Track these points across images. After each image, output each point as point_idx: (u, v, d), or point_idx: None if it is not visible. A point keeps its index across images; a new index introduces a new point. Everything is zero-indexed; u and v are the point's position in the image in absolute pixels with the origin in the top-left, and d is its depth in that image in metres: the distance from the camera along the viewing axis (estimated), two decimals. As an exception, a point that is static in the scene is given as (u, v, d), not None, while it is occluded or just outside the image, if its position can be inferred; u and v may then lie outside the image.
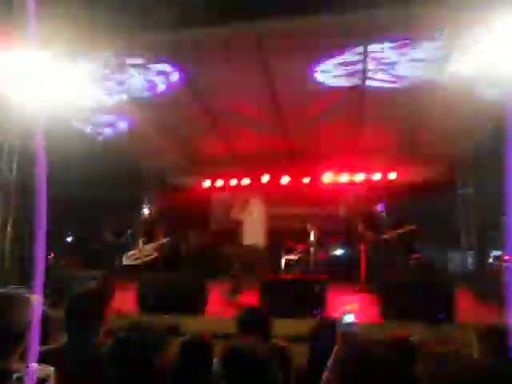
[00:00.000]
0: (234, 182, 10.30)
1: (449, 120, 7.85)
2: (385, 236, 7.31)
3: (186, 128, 9.10)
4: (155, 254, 8.21)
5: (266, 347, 1.75)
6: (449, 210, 10.17)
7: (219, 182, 10.49)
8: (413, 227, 7.40)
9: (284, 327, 4.33)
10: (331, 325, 2.40)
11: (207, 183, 10.48)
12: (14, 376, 1.48)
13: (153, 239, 8.58)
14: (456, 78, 6.45)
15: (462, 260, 9.66)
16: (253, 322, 2.57)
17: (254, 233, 8.31)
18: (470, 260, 9.52)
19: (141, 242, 8.14)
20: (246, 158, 10.01)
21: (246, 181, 10.21)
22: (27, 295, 1.68)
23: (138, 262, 7.98)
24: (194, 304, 4.67)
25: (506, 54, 5.42)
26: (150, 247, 8.21)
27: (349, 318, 2.36)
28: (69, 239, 10.59)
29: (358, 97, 7.71)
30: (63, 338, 2.35)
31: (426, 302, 4.31)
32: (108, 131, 8.99)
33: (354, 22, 5.89)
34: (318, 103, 7.93)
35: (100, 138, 9.14)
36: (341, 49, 6.46)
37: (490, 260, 7.25)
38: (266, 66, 6.83)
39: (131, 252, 8.24)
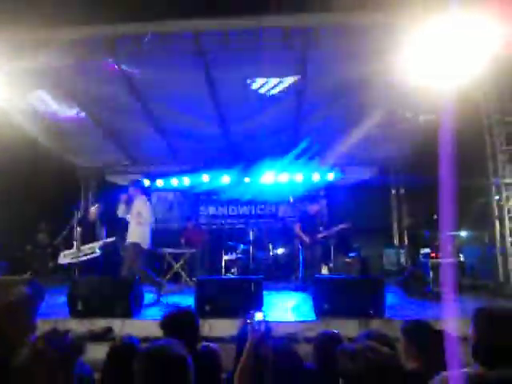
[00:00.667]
0: (174, 181, 10.14)
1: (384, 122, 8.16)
2: (320, 235, 7.48)
3: (125, 126, 8.87)
4: (98, 253, 7.89)
5: (181, 347, 1.72)
6: (384, 209, 10.64)
7: (159, 182, 10.29)
8: (347, 225, 7.64)
9: (220, 327, 4.33)
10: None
11: (147, 182, 10.24)
12: None
13: (93, 239, 8.25)
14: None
15: (396, 257, 10.09)
16: (179, 324, 2.53)
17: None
18: (402, 257, 9.95)
19: (79, 241, 7.78)
20: (186, 157, 9.90)
21: (187, 180, 10.09)
22: None
23: (75, 260, 7.63)
24: (127, 307, 4.54)
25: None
26: (88, 247, 7.88)
27: (259, 317, 2.43)
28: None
29: (296, 98, 7.86)
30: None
31: (358, 299, 4.46)
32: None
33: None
34: (257, 102, 7.99)
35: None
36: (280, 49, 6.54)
37: (420, 257, 7.62)
38: (205, 63, 6.80)
39: (68, 251, 7.87)
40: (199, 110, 8.30)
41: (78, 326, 4.43)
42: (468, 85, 6.08)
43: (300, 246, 7.53)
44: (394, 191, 10.52)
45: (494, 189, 6.79)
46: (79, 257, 7.53)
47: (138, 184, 7.02)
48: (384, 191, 10.56)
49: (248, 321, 2.44)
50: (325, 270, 8.60)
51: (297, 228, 7.55)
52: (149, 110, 8.20)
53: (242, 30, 6.27)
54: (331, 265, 8.81)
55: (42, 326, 4.32)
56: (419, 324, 2.56)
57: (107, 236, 8.42)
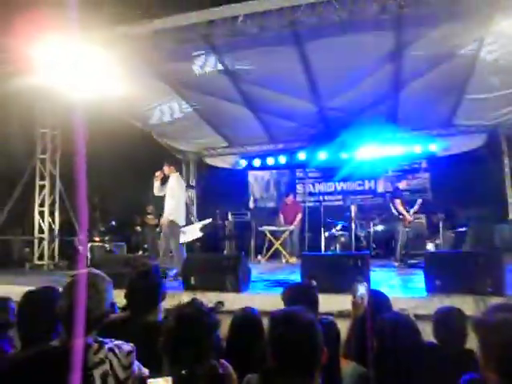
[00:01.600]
0: (270, 160, 10.27)
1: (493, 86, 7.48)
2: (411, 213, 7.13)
3: (220, 109, 9.13)
4: (200, 234, 8.36)
5: (313, 315, 1.75)
6: (496, 181, 9.79)
7: (256, 162, 10.49)
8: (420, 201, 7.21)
9: (326, 303, 4.34)
10: None
11: (244, 163, 10.50)
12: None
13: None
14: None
15: (510, 233, 9.29)
16: (299, 297, 2.58)
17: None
18: (518, 232, 9.13)
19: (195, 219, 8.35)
20: (282, 136, 9.95)
21: (283, 158, 10.15)
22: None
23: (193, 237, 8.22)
24: (236, 282, 4.73)
25: None
26: (193, 227, 8.39)
27: (361, 290, 2.40)
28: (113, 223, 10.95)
29: (393, 65, 7.48)
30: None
31: (473, 275, 4.19)
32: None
33: None
34: (353, 74, 7.74)
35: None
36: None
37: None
38: (298, 39, 6.71)
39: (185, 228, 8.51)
40: (293, 89, 8.25)
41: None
42: None
43: (400, 222, 7.24)
44: (506, 160, 9.60)
45: None
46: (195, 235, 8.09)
47: (172, 162, 6.87)
48: (495, 160, 9.69)
49: (351, 295, 2.44)
50: (430, 247, 8.22)
51: (398, 204, 7.25)
52: (244, 92, 8.35)
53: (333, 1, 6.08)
54: (438, 241, 8.39)
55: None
56: None
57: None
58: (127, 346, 1.76)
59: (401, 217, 7.22)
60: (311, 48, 6.99)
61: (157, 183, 6.45)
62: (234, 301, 4.71)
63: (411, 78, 7.79)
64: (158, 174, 6.46)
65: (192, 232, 8.23)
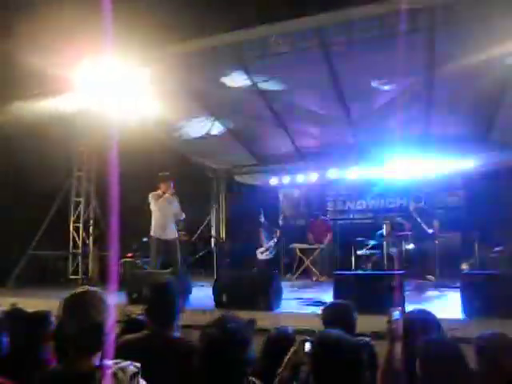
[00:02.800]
0: (300, 177, 10.27)
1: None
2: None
3: (251, 127, 9.23)
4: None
5: (356, 341, 1.73)
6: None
7: (286, 179, 10.50)
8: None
9: (361, 324, 4.27)
10: None
11: (274, 180, 10.52)
12: (108, 372, 1.58)
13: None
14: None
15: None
16: (338, 317, 2.57)
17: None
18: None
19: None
20: (313, 154, 9.94)
21: (313, 176, 10.12)
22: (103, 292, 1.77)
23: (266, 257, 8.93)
24: (267, 301, 4.72)
25: None
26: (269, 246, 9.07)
27: (396, 315, 2.36)
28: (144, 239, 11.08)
29: (425, 84, 7.41)
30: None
31: (514, 298, 4.04)
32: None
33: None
34: (383, 93, 7.71)
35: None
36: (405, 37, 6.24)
37: None
38: (328, 58, 6.76)
39: (261, 248, 9.08)
40: (324, 106, 8.29)
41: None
42: None
43: (436, 243, 7.10)
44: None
45: None
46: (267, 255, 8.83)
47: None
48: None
49: (387, 320, 2.40)
50: (465, 267, 7.99)
51: (436, 225, 7.14)
52: (274, 110, 8.43)
53: (364, 20, 6.11)
54: (473, 261, 8.14)
55: (192, 316, 4.72)
56: None
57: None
58: (132, 368, 1.65)
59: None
60: (342, 66, 7.02)
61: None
62: (265, 319, 4.69)
63: (445, 94, 7.70)
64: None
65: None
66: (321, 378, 1.55)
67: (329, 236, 8.87)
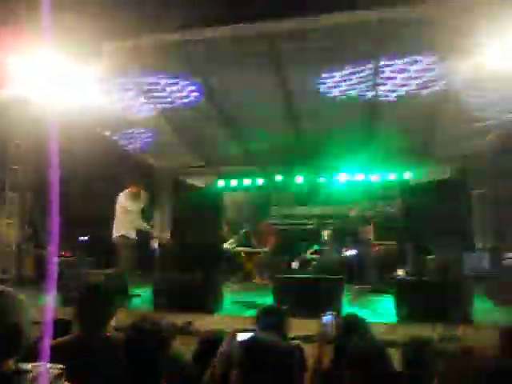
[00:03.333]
0: (247, 181, 10.31)
1: (461, 120, 7.77)
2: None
3: (198, 127, 9.16)
4: None
5: (286, 345, 1.75)
6: (463, 210, 10.08)
7: (233, 182, 10.51)
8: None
9: (297, 327, 4.33)
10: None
11: (220, 183, 10.50)
12: (28, 376, 1.49)
13: None
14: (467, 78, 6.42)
15: (477, 261, 9.52)
16: (270, 321, 2.58)
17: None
18: (484, 261, 9.36)
19: None
20: (259, 157, 10.02)
21: (260, 180, 10.20)
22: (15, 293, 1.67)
23: None
24: (207, 303, 4.68)
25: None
26: None
27: (327, 320, 2.43)
28: (83, 238, 10.70)
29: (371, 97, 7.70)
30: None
31: (442, 302, 4.27)
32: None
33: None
34: (330, 101, 7.91)
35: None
36: (351, 61, 6.49)
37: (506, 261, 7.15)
38: (278, 63, 6.85)
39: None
40: (272, 111, 8.38)
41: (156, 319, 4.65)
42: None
43: (371, 249, 7.37)
44: (474, 192, 9.91)
45: None
46: None
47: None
48: (463, 191, 10.00)
49: (320, 323, 2.46)
50: (400, 273, 8.33)
51: (369, 231, 7.39)
52: (223, 112, 8.41)
53: (317, 30, 6.25)
54: (408, 268, 8.51)
55: (129, 318, 4.58)
56: None
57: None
58: (54, 370, 1.51)
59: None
60: (291, 72, 7.14)
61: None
62: (204, 322, 4.66)
63: (388, 107, 8.02)
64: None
65: None
66: (248, 382, 1.55)
67: (273, 240, 8.96)
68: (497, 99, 6.98)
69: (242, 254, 8.71)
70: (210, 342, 2.63)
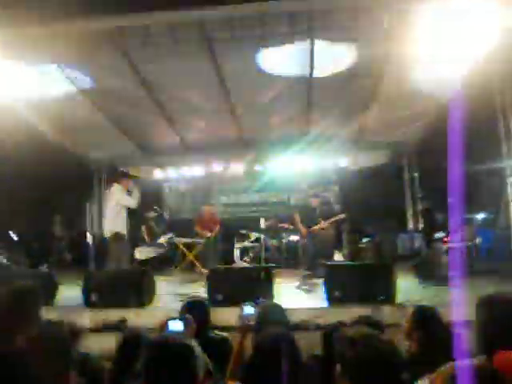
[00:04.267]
0: (186, 171, 10.19)
1: (396, 106, 8.04)
2: (316, 227, 7.42)
3: (135, 116, 8.90)
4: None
5: (188, 338, 1.74)
6: (398, 194, 10.53)
7: (171, 172, 10.34)
8: (342, 216, 7.60)
9: (231, 316, 4.36)
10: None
11: (159, 173, 10.31)
12: None
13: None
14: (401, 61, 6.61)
15: (410, 242, 10.00)
16: (194, 314, 2.58)
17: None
18: (417, 241, 9.86)
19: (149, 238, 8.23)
20: (198, 146, 9.92)
21: (198, 170, 10.11)
22: None
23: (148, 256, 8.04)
24: (140, 297, 4.61)
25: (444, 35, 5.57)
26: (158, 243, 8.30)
27: (248, 310, 2.46)
28: (14, 237, 10.18)
29: (306, 84, 7.78)
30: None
31: (368, 285, 4.45)
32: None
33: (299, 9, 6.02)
34: (267, 91, 7.94)
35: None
36: (287, 38, 6.48)
37: (434, 242, 7.55)
38: (212, 52, 6.76)
39: (142, 248, 8.26)
40: (210, 101, 8.28)
41: (92, 317, 4.53)
42: (480, 65, 5.95)
43: (299, 236, 7.55)
44: (407, 175, 10.38)
45: (508, 171, 6.66)
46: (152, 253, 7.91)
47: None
48: (397, 176, 10.44)
49: (239, 313, 2.49)
50: (339, 257, 8.60)
51: (296, 218, 7.54)
52: (159, 100, 8.21)
53: (246, 18, 6.22)
54: (345, 251, 8.80)
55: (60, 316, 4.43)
56: (426, 310, 2.55)
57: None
58: None
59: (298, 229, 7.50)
60: (226, 62, 7.06)
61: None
62: (137, 317, 4.59)
63: (322, 95, 8.15)
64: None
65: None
66: (150, 377, 1.54)
67: (217, 228, 8.90)
68: (425, 85, 7.25)
69: (181, 246, 8.62)
70: (132, 339, 2.58)
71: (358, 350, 1.46)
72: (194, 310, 2.69)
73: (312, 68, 7.11)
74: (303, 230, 7.31)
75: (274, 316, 2.62)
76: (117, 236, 6.22)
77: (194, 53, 6.77)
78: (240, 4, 5.94)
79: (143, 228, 8.98)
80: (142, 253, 8.26)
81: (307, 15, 6.11)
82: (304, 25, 6.29)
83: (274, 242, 9.03)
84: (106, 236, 6.41)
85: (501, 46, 5.68)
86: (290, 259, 8.74)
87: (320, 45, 6.59)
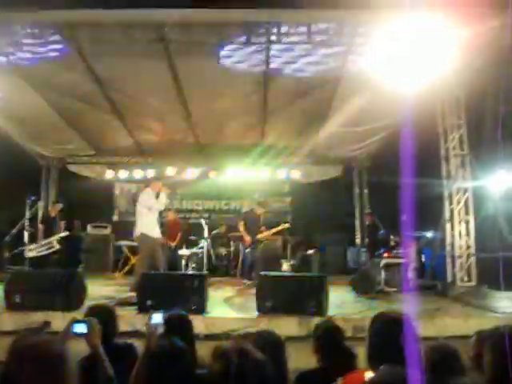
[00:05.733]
0: (138, 173, 10.02)
1: (349, 122, 8.20)
2: (259, 236, 7.46)
3: (87, 115, 8.70)
4: (57, 247, 7.83)
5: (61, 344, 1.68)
6: (348, 208, 10.74)
7: (123, 173, 10.14)
8: (286, 226, 7.68)
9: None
10: None
11: (110, 174, 10.09)
12: None
13: (53, 232, 8.15)
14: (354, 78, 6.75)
15: (357, 256, 10.19)
16: (98, 318, 2.52)
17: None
18: (363, 256, 10.05)
19: (41, 236, 7.80)
20: (151, 149, 9.79)
21: (151, 172, 9.95)
22: None
23: (38, 254, 7.64)
24: (68, 300, 4.46)
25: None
26: (50, 240, 7.84)
27: (157, 318, 2.40)
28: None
29: (262, 95, 7.84)
30: None
31: (300, 296, 4.48)
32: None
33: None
34: (224, 97, 7.93)
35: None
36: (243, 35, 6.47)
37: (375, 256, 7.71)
38: (168, 53, 6.70)
39: (33, 245, 7.84)
40: (166, 105, 8.20)
41: (14, 320, 4.35)
42: (427, 88, 6.16)
43: (242, 244, 7.53)
44: (357, 190, 10.61)
45: (446, 193, 6.91)
46: (42, 251, 7.53)
47: None
48: (348, 190, 10.65)
49: (146, 323, 2.42)
50: (286, 266, 8.62)
51: (240, 226, 7.46)
52: (111, 99, 8.06)
53: (205, 24, 6.22)
54: (293, 261, 8.84)
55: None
56: (329, 325, 2.60)
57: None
58: None
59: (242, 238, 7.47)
60: (182, 66, 7.02)
61: None
62: (63, 320, 4.43)
63: (277, 108, 8.22)
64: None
65: (47, 245, 7.72)
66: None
67: (179, 235, 8.77)
68: (376, 102, 7.42)
69: (125, 249, 8.45)
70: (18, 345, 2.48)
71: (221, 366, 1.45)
72: (98, 315, 2.61)
73: (268, 64, 7.07)
74: (247, 238, 7.24)
75: (178, 326, 2.60)
76: (141, 237, 6.15)
77: (149, 52, 6.72)
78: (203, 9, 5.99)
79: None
80: (31, 251, 7.90)
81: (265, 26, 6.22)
82: (262, 37, 6.40)
83: (223, 250, 8.99)
84: (135, 237, 6.42)
85: (450, 71, 5.94)
86: (236, 267, 8.72)
87: (276, 48, 6.65)
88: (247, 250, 7.39)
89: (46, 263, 7.64)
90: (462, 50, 5.57)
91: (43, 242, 7.73)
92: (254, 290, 6.56)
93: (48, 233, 8.05)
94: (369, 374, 1.57)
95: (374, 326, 1.84)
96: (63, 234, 8.16)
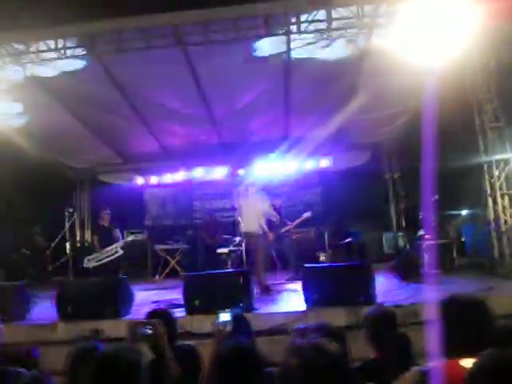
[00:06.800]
0: (167, 177, 10.09)
1: (374, 106, 8.03)
2: (284, 229, 7.33)
3: (112, 124, 8.80)
4: (120, 252, 7.85)
5: (136, 351, 1.68)
6: (381, 194, 10.54)
7: (152, 178, 10.23)
8: (309, 215, 7.57)
9: (202, 324, 4.27)
10: None
11: (139, 180, 10.19)
12: None
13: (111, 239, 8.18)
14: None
15: (394, 241, 10.02)
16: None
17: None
18: (401, 241, 9.87)
19: (98, 246, 7.84)
20: (178, 152, 9.82)
21: (180, 175, 10.01)
22: None
23: (99, 263, 7.69)
24: (115, 308, 4.51)
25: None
26: (110, 248, 7.91)
27: (224, 317, 2.37)
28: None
29: (284, 88, 7.76)
30: None
31: (346, 286, 4.41)
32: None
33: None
34: (245, 95, 7.89)
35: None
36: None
37: (416, 240, 7.56)
38: (187, 56, 6.70)
39: (91, 255, 7.91)
40: (188, 107, 8.22)
41: (66, 329, 4.43)
42: (454, 62, 5.96)
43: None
44: (388, 175, 10.40)
45: (485, 167, 6.69)
46: (103, 259, 7.58)
47: None
48: (379, 176, 10.45)
49: (212, 322, 2.40)
50: (323, 258, 8.53)
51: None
52: (135, 107, 8.13)
53: (221, 21, 6.18)
54: (330, 251, 8.74)
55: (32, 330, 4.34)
56: (380, 313, 2.53)
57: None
58: None
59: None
60: (202, 66, 7.01)
61: None
62: (113, 328, 4.49)
63: (301, 98, 8.12)
64: None
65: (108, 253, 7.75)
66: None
67: (218, 233, 8.82)
68: (402, 86, 7.25)
69: (161, 253, 8.52)
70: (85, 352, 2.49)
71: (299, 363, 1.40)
72: (159, 318, 2.61)
73: (289, 54, 6.95)
74: (270, 234, 7.06)
75: (241, 326, 2.57)
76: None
77: (169, 58, 6.74)
78: (215, 8, 5.97)
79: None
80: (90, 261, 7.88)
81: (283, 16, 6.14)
82: (282, 27, 6.32)
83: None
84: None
85: (475, 38, 5.72)
86: (272, 262, 8.65)
87: (296, 37, 6.53)
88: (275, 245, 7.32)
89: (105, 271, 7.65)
90: (490, 16, 5.36)
91: (104, 251, 7.74)
92: (293, 284, 6.63)
93: (105, 241, 7.91)
94: (466, 362, 1.49)
95: (449, 310, 1.76)
96: (130, 239, 8.20)
